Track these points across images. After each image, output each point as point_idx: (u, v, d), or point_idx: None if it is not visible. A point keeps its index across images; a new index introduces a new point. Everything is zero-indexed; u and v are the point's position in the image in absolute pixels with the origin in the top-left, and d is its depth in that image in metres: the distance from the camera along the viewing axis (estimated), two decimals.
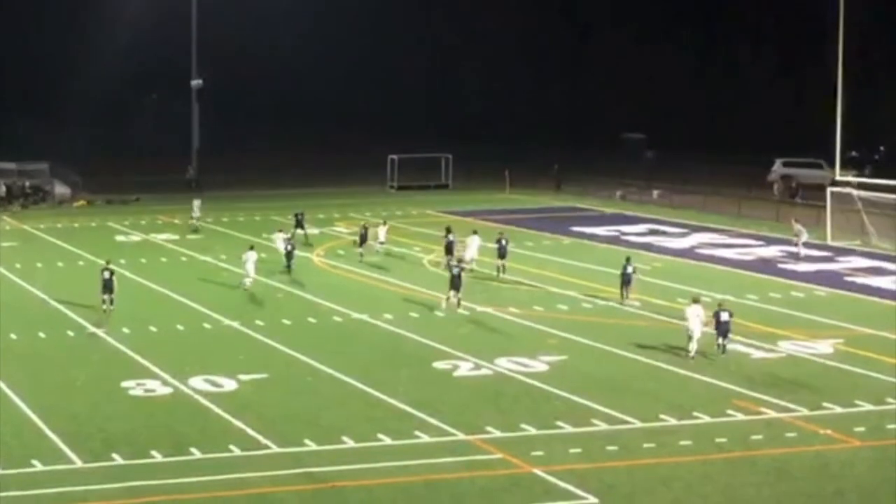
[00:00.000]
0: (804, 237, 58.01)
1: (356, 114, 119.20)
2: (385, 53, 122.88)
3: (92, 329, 43.00)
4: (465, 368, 37.49)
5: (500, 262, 52.52)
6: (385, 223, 60.80)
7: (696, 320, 38.67)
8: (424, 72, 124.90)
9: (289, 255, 53.40)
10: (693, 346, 38.64)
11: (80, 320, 44.25)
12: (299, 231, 62.79)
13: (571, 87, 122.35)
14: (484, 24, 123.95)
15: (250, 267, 50.06)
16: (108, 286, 45.44)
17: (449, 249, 54.19)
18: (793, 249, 57.99)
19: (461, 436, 30.76)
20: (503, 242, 52.74)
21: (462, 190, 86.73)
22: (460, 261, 49.98)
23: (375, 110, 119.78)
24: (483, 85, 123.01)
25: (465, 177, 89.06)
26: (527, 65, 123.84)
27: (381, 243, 57.97)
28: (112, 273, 45.95)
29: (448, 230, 55.87)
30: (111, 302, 45.41)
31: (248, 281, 49.96)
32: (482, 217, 72.71)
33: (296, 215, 64.48)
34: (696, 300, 40.06)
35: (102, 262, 47.67)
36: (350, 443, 30.13)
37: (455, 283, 45.65)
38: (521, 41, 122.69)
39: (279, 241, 55.38)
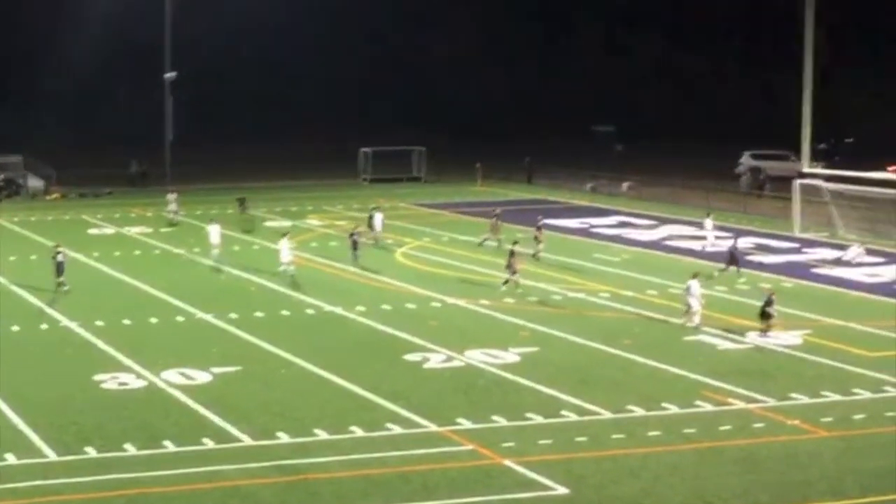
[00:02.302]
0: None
1: (330, 106, 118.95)
2: (359, 46, 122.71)
3: (44, 307, 43.94)
4: (436, 360, 37.49)
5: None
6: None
7: (696, 295, 40.75)
8: (397, 64, 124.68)
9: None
10: (696, 319, 40.58)
11: (54, 313, 44.09)
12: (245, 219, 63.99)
13: (542, 80, 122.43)
14: (456, 18, 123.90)
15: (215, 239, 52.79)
16: (59, 269, 47.12)
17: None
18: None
19: (433, 427, 30.76)
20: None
21: (434, 183, 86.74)
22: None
23: (348, 103, 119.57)
24: (455, 78, 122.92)
25: (437, 170, 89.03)
26: (498, 58, 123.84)
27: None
28: (61, 255, 47.68)
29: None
30: (63, 284, 46.96)
31: (215, 252, 52.57)
32: (454, 210, 72.77)
33: (238, 200, 65.57)
34: (695, 275, 42.02)
35: (80, 257, 47.69)
36: (322, 435, 30.08)
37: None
38: (493, 34, 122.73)
39: (213, 234, 54.49)
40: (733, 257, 51.27)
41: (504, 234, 57.87)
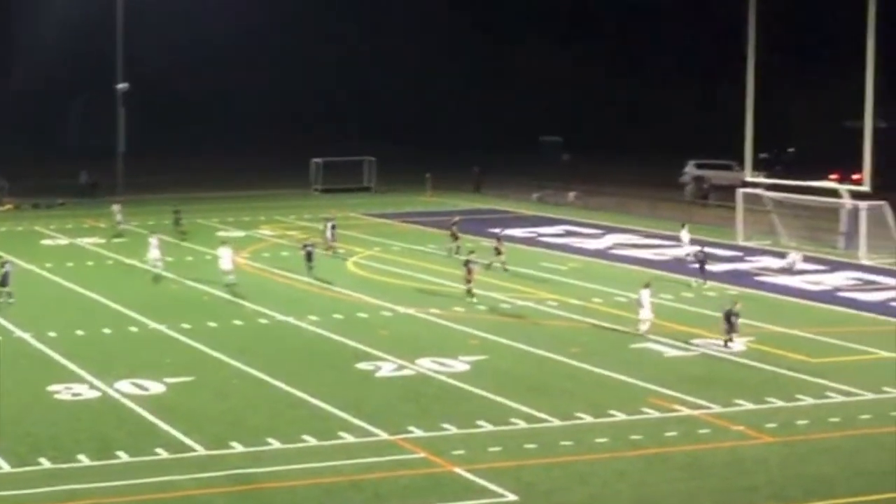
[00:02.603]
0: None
1: (280, 117, 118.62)
2: (308, 56, 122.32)
3: None
4: (387, 369, 37.44)
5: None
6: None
7: (646, 303, 41.29)
8: (347, 75, 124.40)
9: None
10: (643, 327, 41.02)
11: (6, 323, 43.70)
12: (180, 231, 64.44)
13: (490, 91, 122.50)
14: (405, 28, 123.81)
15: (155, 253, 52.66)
16: (4, 280, 46.69)
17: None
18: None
19: (384, 436, 30.70)
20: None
21: (385, 193, 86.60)
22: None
23: (299, 113, 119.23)
24: (404, 88, 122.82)
25: (387, 180, 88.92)
26: (447, 68, 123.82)
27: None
28: (8, 266, 47.30)
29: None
30: (10, 295, 46.39)
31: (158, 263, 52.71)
32: (405, 220, 72.72)
33: (174, 212, 65.52)
34: (647, 284, 42.38)
35: (33, 268, 47.29)
36: (275, 444, 29.96)
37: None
38: (442, 44, 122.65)
39: (153, 248, 54.06)
40: (703, 267, 51.50)
41: (462, 242, 57.84)
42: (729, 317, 39.54)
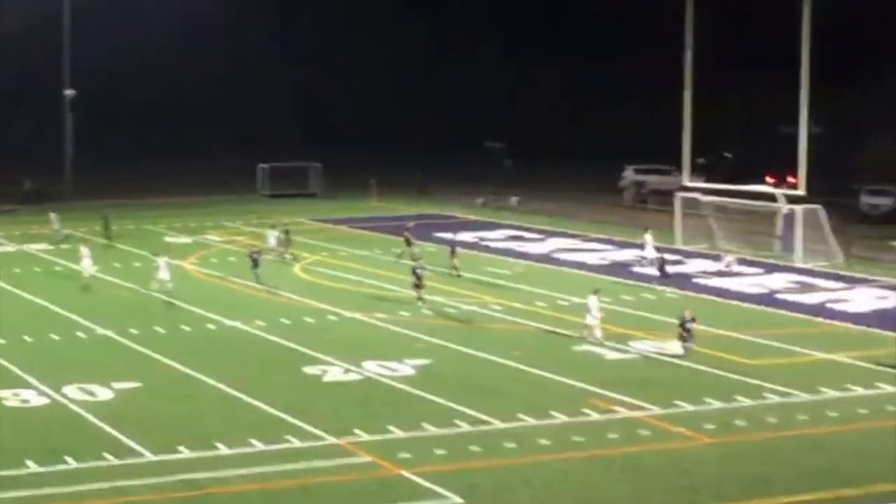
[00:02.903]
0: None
1: (227, 123, 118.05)
2: (254, 62, 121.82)
3: None
4: (334, 373, 37.36)
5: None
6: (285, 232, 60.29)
7: (594, 310, 40.91)
8: (292, 81, 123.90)
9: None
10: (596, 333, 40.63)
11: None
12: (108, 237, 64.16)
13: (434, 98, 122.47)
14: (350, 34, 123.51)
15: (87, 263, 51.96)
16: None
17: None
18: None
19: (331, 440, 30.61)
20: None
21: (331, 198, 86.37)
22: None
23: (245, 119, 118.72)
24: (349, 94, 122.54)
25: (333, 185, 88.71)
26: (392, 74, 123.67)
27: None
28: None
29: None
30: None
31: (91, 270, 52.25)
32: (351, 225, 72.58)
33: (102, 218, 65.18)
34: (596, 291, 42.17)
35: None
36: (223, 449, 29.81)
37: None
38: (386, 50, 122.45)
39: (85, 259, 53.08)
40: (663, 270, 51.72)
41: (416, 248, 57.87)
42: (684, 324, 39.26)
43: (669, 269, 53.14)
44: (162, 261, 50.24)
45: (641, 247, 58.14)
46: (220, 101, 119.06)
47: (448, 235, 64.67)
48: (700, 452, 29.89)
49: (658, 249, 55.56)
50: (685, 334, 39.15)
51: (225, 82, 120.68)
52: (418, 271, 48.18)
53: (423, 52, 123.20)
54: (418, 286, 47.69)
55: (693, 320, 39.36)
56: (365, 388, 35.78)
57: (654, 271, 53.15)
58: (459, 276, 53.38)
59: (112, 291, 51.32)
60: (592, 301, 41.47)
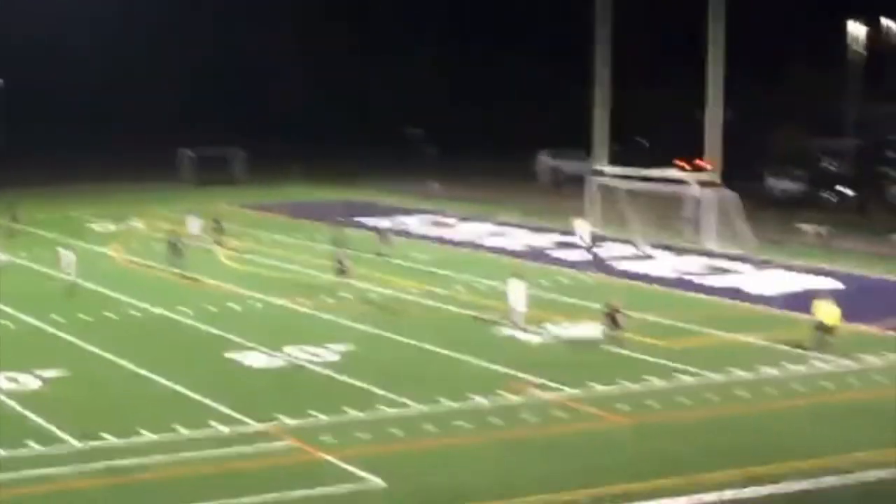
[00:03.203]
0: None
1: (153, 109, 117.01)
2: (177, 49, 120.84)
3: None
4: (258, 358, 37.18)
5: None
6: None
7: (518, 294, 40.30)
8: (214, 68, 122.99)
9: None
10: (518, 319, 39.97)
11: None
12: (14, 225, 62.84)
13: (356, 85, 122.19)
14: (270, 21, 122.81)
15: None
16: None
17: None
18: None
19: (255, 425, 30.46)
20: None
21: (255, 184, 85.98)
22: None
23: (172, 106, 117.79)
24: (273, 81, 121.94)
25: (258, 171, 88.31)
26: (314, 62, 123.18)
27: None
28: None
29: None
30: None
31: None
32: (276, 211, 72.34)
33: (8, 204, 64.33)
34: (515, 275, 41.57)
35: None
36: (148, 435, 29.58)
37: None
38: (309, 37, 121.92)
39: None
40: (596, 257, 52.04)
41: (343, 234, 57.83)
42: (612, 314, 38.62)
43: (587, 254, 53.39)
44: (64, 252, 49.32)
45: (573, 234, 58.42)
46: (144, 87, 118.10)
47: (376, 221, 64.67)
48: (613, 433, 30.08)
49: (594, 237, 55.41)
50: (612, 323, 38.57)
51: (150, 69, 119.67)
52: (341, 258, 48.07)
53: (345, 39, 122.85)
54: (342, 272, 47.57)
55: (617, 310, 38.68)
56: (288, 374, 35.68)
57: (586, 256, 53.22)
58: (389, 261, 53.36)
59: (34, 279, 50.72)
60: (513, 285, 41.48)
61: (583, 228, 57.86)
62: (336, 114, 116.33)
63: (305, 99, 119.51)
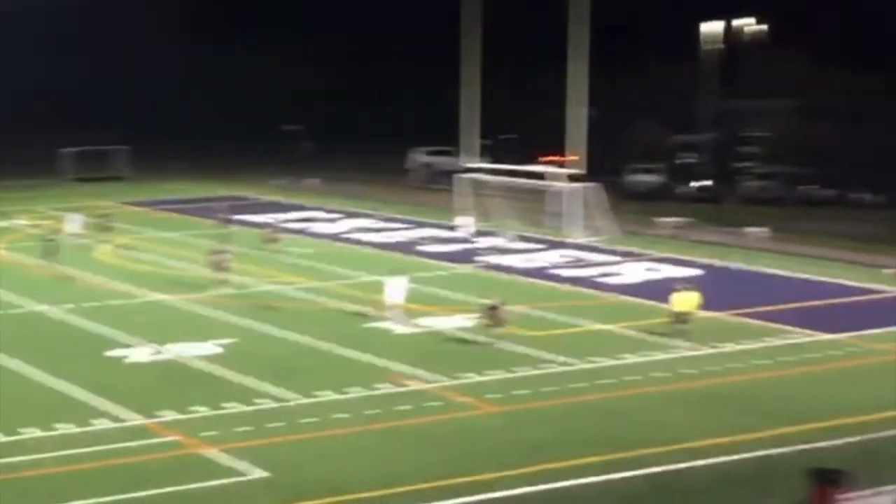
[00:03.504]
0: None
1: (37, 107, 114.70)
2: (59, 47, 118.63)
3: None
4: (142, 354, 36.64)
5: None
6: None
7: (396, 290, 40.22)
8: (96, 65, 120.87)
9: None
10: (395, 313, 39.89)
11: None
12: None
13: (234, 82, 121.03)
14: (152, 19, 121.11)
15: None
16: None
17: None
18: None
19: (137, 420, 30.02)
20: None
21: (138, 181, 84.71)
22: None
23: (53, 103, 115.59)
24: (151, 79, 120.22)
25: (141, 168, 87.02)
26: (194, 58, 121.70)
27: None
28: None
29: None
30: None
31: None
32: (158, 208, 71.37)
33: None
34: (394, 269, 42.09)
35: None
36: (31, 432, 28.97)
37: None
38: (189, 34, 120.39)
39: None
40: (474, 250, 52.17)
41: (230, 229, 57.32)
42: (493, 310, 37.96)
43: (465, 245, 53.38)
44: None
45: (455, 228, 58.38)
46: (26, 85, 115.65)
47: (257, 217, 64.18)
48: (485, 421, 30.20)
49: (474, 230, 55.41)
50: (493, 318, 37.99)
51: (32, 67, 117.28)
52: (220, 254, 47.51)
53: (225, 35, 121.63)
54: (221, 268, 47.03)
55: (495, 308, 38.11)
56: (170, 369, 35.20)
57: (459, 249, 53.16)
58: (270, 257, 52.93)
59: None
60: (392, 279, 41.25)
61: (466, 224, 57.94)
62: (216, 110, 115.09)
63: (187, 96, 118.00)
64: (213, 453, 27.70)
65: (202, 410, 30.78)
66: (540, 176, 62.17)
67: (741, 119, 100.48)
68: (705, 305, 39.50)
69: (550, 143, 67.19)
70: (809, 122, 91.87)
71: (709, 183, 77.85)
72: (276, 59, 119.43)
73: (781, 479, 25.29)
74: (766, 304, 43.02)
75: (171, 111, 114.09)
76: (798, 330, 39.38)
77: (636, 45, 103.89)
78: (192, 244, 56.60)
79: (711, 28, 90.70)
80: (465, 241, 57.55)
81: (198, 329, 39.82)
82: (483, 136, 68.13)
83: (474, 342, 37.94)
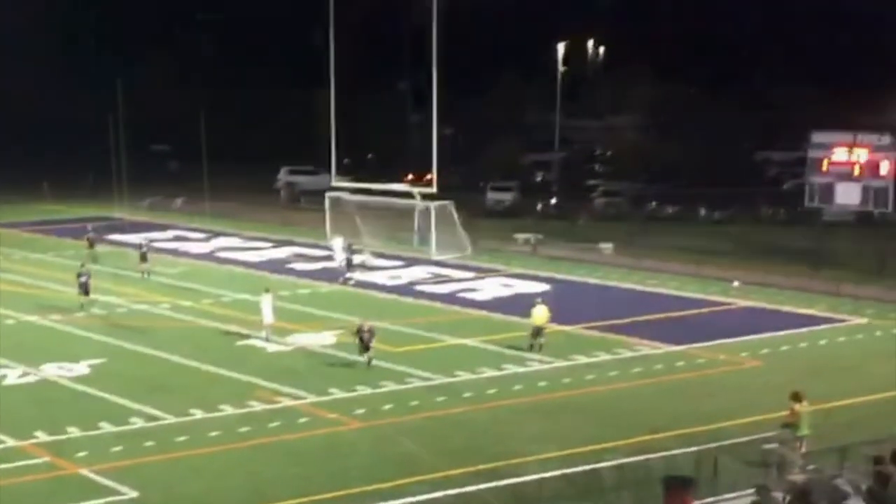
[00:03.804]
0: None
1: None
2: None
3: None
4: (13, 376, 35.85)
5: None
6: None
7: (265, 307, 39.95)
8: None
9: None
10: (265, 331, 39.76)
11: None
12: None
13: (101, 100, 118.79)
14: (19, 39, 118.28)
15: None
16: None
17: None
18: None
19: (11, 442, 29.40)
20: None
21: (6, 202, 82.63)
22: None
23: None
24: (19, 96, 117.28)
25: (5, 188, 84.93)
26: (60, 77, 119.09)
27: None
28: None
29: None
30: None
31: None
32: (25, 228, 69.80)
33: None
34: (267, 290, 41.35)
35: None
36: None
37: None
38: (56, 55, 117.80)
39: None
40: (350, 265, 51.76)
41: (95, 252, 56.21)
42: (360, 333, 37.18)
43: (328, 264, 53.18)
44: None
45: (330, 248, 57.91)
46: None
47: (126, 238, 63.19)
48: (353, 436, 30.22)
49: (352, 248, 55.04)
50: (357, 336, 37.29)
51: None
52: (83, 278, 46.07)
53: (91, 55, 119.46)
54: (88, 289, 45.89)
55: (369, 332, 37.20)
56: (43, 390, 34.52)
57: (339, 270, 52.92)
58: (140, 276, 52.17)
59: None
60: (265, 299, 40.73)
61: (336, 242, 57.58)
62: (81, 129, 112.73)
63: (52, 115, 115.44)
64: (86, 473, 27.26)
65: (75, 431, 30.26)
66: (400, 194, 62.21)
67: (590, 137, 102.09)
68: (558, 319, 40.01)
69: (410, 162, 67.43)
70: (653, 139, 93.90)
71: (558, 200, 78.75)
72: (143, 78, 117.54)
73: (640, 486, 25.62)
74: (616, 318, 43.66)
75: (38, 130, 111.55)
76: (646, 342, 40.08)
77: (497, 65, 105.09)
78: (61, 265, 55.44)
79: (560, 49, 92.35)
80: (332, 258, 57.27)
81: (69, 350, 39.10)
82: (346, 156, 67.97)
83: (342, 359, 37.88)
